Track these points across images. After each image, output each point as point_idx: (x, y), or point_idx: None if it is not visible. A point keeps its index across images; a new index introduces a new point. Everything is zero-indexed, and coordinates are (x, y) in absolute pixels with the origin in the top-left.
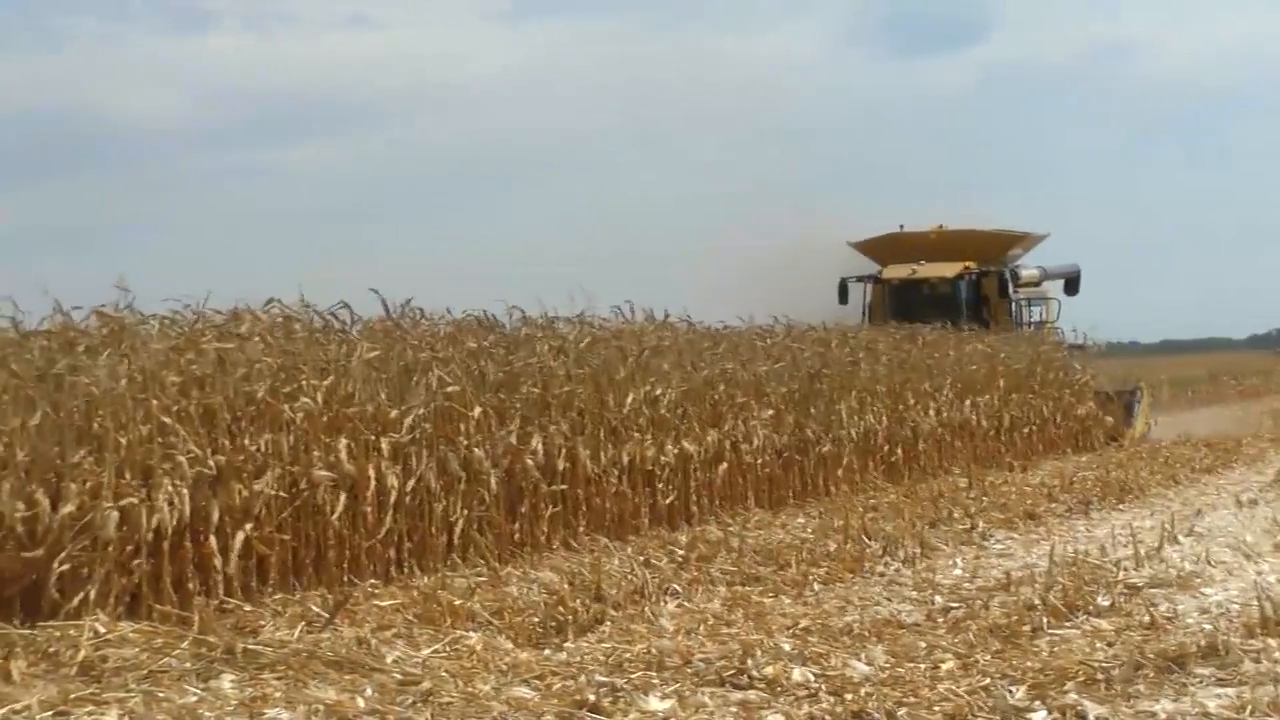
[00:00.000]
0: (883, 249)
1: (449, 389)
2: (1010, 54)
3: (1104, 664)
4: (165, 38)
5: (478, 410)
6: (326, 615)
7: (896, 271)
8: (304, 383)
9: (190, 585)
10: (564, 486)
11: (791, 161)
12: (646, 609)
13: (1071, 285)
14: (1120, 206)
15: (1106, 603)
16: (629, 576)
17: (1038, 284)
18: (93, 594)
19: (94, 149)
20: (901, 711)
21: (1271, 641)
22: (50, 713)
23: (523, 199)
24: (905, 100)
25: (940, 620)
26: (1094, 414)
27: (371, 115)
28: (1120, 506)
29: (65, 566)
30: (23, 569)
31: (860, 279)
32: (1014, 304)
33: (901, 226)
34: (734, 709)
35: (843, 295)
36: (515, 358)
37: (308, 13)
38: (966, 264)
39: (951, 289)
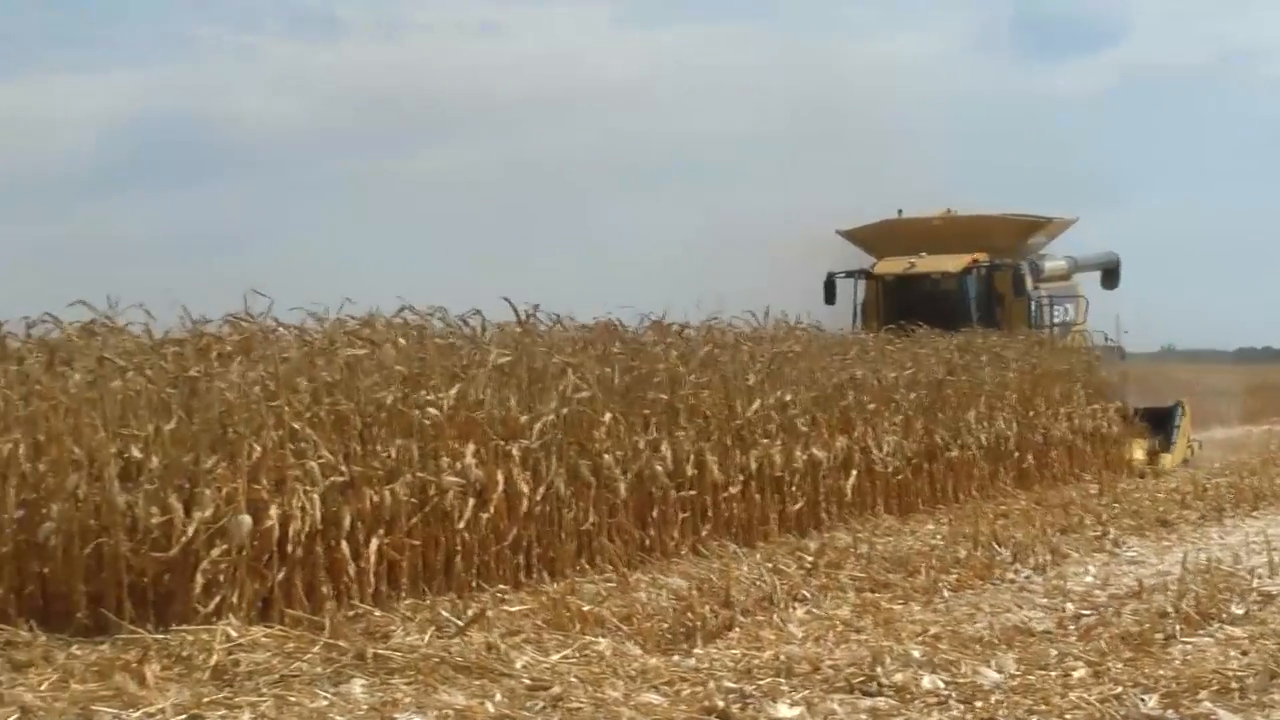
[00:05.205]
0: (879, 238)
1: (581, 395)
2: (1142, 57)
3: (1238, 673)
4: (297, 46)
5: (608, 416)
6: (460, 624)
7: (891, 265)
8: (432, 389)
9: (322, 590)
10: (692, 492)
11: (920, 166)
12: (775, 615)
13: (1110, 277)
14: (1241, 211)
15: (1240, 611)
16: (758, 583)
17: (1066, 277)
18: (233, 599)
19: (229, 156)
20: (1032, 719)
21: None
22: (183, 716)
23: (654, 204)
24: (1035, 104)
25: (1071, 628)
26: (1121, 435)
27: (505, 121)
28: (1254, 513)
29: (203, 572)
30: (157, 574)
31: (850, 274)
32: (1033, 302)
33: (900, 211)
34: (863, 716)
35: (829, 293)
36: (642, 363)
37: (438, 20)
38: (975, 256)
39: (957, 285)
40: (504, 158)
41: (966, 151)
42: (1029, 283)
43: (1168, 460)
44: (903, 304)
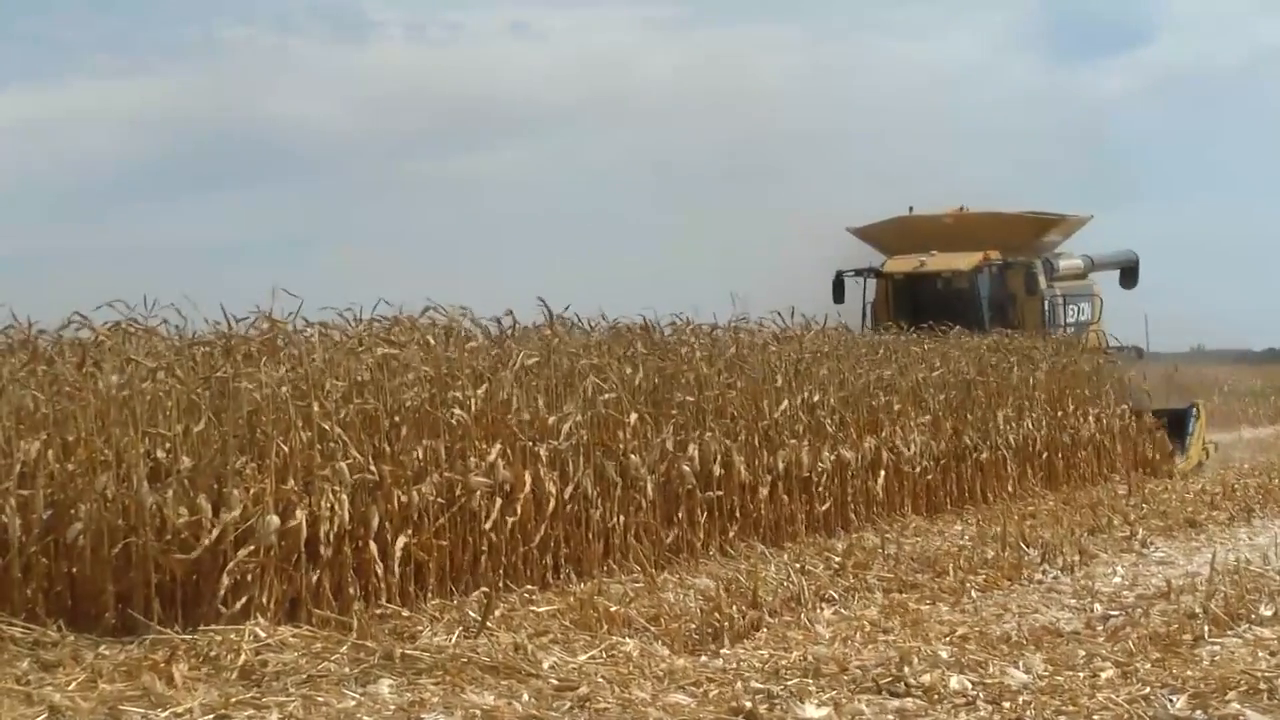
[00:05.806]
0: (890, 236)
1: (606, 395)
2: (1176, 57)
3: (1267, 674)
4: (329, 47)
5: (634, 417)
6: (477, 619)
7: (901, 264)
8: (459, 389)
9: (349, 590)
10: (719, 493)
11: (942, 166)
12: (803, 616)
13: (1128, 276)
14: (1272, 211)
15: (1269, 612)
16: (785, 583)
17: (1082, 276)
18: (261, 599)
19: (262, 159)
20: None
21: None
22: (211, 716)
23: (685, 206)
24: (1068, 105)
25: (1099, 628)
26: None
27: (537, 123)
28: None
29: (230, 573)
30: (185, 574)
31: (859, 272)
32: (1046, 301)
33: (911, 209)
34: (891, 716)
35: (838, 292)
36: (669, 364)
37: (471, 22)
38: (987, 253)
39: (969, 284)
40: (513, 159)
41: (993, 152)
42: (1042, 281)
43: (1181, 463)
44: (913, 303)
